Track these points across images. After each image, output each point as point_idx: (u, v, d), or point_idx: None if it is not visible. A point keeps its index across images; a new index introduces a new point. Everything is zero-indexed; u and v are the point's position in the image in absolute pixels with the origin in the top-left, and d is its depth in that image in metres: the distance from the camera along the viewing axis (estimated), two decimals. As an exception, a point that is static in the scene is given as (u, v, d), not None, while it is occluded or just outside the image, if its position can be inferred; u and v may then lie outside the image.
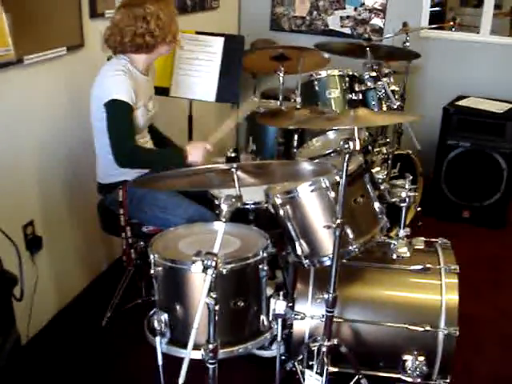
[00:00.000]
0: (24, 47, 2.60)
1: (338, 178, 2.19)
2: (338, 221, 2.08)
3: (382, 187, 2.50)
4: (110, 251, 3.60)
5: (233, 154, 2.43)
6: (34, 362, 2.76)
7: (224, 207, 1.84)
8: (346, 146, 1.99)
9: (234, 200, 1.84)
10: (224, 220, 1.83)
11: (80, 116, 2.97)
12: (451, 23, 4.88)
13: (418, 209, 3.85)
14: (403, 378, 2.39)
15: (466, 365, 2.82)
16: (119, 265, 3.15)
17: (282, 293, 2.31)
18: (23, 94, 2.73)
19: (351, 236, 2.29)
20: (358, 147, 1.99)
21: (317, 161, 2.61)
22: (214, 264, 1.77)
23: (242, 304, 2.19)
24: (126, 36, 2.69)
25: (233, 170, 1.93)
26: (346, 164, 2.02)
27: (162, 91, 3.37)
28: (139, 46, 2.72)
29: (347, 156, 2.01)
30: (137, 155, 2.72)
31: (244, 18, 5.32)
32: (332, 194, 2.27)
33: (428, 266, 2.45)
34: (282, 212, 2.38)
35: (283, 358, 2.49)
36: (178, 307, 2.20)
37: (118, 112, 2.66)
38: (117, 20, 2.72)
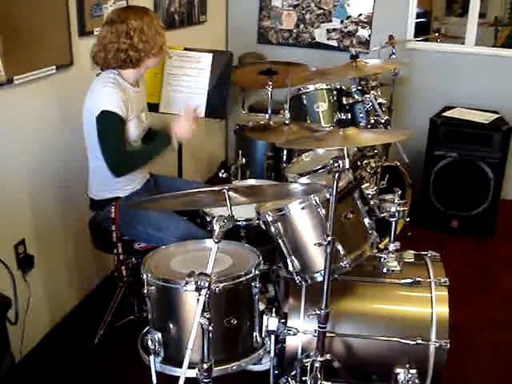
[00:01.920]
0: (14, 67, 2.62)
1: (328, 195, 2.22)
2: (329, 238, 2.11)
3: (371, 202, 2.52)
4: (102, 267, 3.60)
5: (224, 175, 2.45)
6: (27, 380, 2.75)
7: (216, 228, 1.86)
8: (336, 164, 2.01)
9: (226, 221, 1.86)
10: (217, 241, 1.85)
11: (71, 134, 2.98)
12: (436, 35, 4.96)
13: (407, 219, 3.87)
14: (396, 390, 2.40)
15: (457, 374, 2.85)
16: (110, 281, 3.16)
17: (274, 309, 2.33)
18: (14, 113, 2.74)
19: (342, 252, 2.32)
20: (347, 166, 2.01)
21: (306, 179, 2.64)
22: (207, 284, 1.79)
23: (235, 322, 2.20)
24: (110, 52, 2.72)
25: (224, 191, 1.95)
26: (335, 183, 2.04)
27: (151, 107, 3.39)
28: (123, 61, 2.73)
29: (337, 175, 2.03)
30: (128, 161, 2.75)
31: (231, 31, 5.35)
32: (322, 211, 2.29)
33: (418, 279, 2.47)
34: (273, 229, 2.40)
35: (276, 373, 2.50)
36: (171, 326, 2.20)
37: (109, 123, 2.68)
38: (101, 37, 2.75)
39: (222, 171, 2.46)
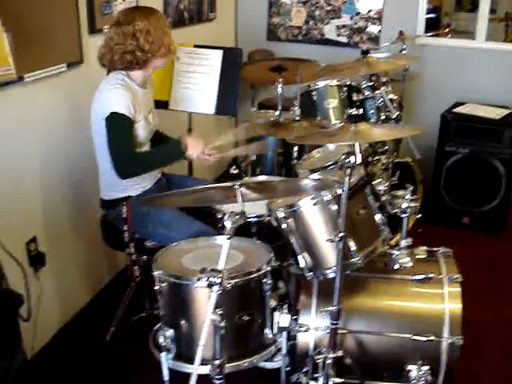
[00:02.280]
0: (24, 65, 2.62)
1: (339, 191, 2.21)
2: (341, 234, 2.10)
3: (383, 198, 2.51)
4: (113, 265, 3.61)
5: (235, 171, 2.44)
6: (38, 377, 2.76)
7: (228, 224, 1.86)
8: (348, 160, 2.01)
9: (237, 217, 1.86)
10: (228, 237, 1.85)
11: (81, 132, 2.99)
12: (446, 30, 4.93)
13: (418, 216, 3.86)
14: (408, 387, 2.40)
15: (470, 372, 2.83)
16: (122, 278, 3.17)
17: (285, 306, 2.32)
18: (24, 111, 2.75)
19: (354, 248, 2.31)
20: (359, 161, 2.00)
21: (318, 176, 2.63)
22: (219, 281, 1.79)
23: (247, 318, 2.20)
24: (116, 54, 2.72)
25: (236, 187, 1.94)
26: (347, 178, 2.03)
27: (161, 104, 3.40)
28: (130, 62, 2.73)
29: (348, 170, 2.02)
30: (136, 164, 2.75)
31: (241, 28, 5.34)
32: (334, 207, 2.28)
33: (430, 275, 2.45)
34: (284, 225, 2.39)
35: (288, 369, 2.50)
36: (183, 322, 2.20)
37: (118, 125, 2.68)
38: (108, 39, 2.76)
39: (234, 167, 2.45)
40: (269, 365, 2.60)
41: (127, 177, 2.74)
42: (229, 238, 1.86)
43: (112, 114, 2.64)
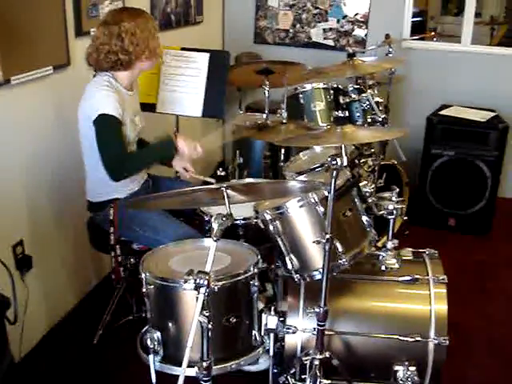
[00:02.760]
0: (11, 68, 2.62)
1: (326, 193, 2.22)
2: (328, 235, 2.11)
3: (369, 200, 2.52)
4: (100, 267, 3.60)
5: (222, 173, 2.45)
6: (26, 381, 2.75)
7: (215, 226, 1.86)
8: (334, 162, 2.02)
9: (224, 219, 1.86)
10: (215, 239, 1.85)
11: (68, 134, 2.98)
12: (432, 33, 4.96)
13: (405, 218, 3.88)
14: (395, 388, 2.41)
15: (457, 373, 2.85)
16: (109, 281, 3.15)
17: (273, 308, 2.33)
18: (10, 113, 2.74)
19: (340, 250, 2.32)
20: (345, 163, 2.02)
21: (305, 178, 2.64)
22: (206, 283, 1.79)
23: (234, 320, 2.21)
24: (101, 54, 2.72)
25: (223, 188, 1.95)
26: (333, 180, 2.04)
27: (148, 107, 3.40)
28: (114, 63, 2.73)
29: (335, 172, 2.03)
30: (129, 165, 2.73)
31: (228, 31, 5.35)
32: (321, 209, 2.30)
33: (416, 276, 2.47)
34: (271, 227, 2.40)
35: (276, 371, 2.50)
36: (170, 325, 2.21)
37: (107, 126, 2.67)
38: (95, 38, 2.76)
39: (220, 169, 2.46)
40: (254, 368, 2.62)
41: (120, 179, 2.72)
42: (216, 240, 1.86)
43: (100, 115, 2.63)
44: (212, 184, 2.68)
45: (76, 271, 3.42)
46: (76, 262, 3.40)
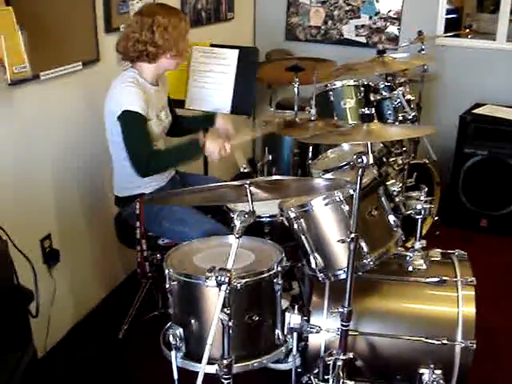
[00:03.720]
0: (40, 63, 2.64)
1: (351, 192, 2.19)
2: (352, 234, 2.08)
3: (396, 199, 2.49)
4: (127, 263, 3.61)
5: (246, 170, 2.43)
6: (51, 374, 2.77)
7: (237, 223, 1.85)
8: (359, 160, 1.98)
9: (246, 216, 1.85)
10: (237, 236, 1.84)
11: (96, 130, 2.99)
12: (467, 30, 4.87)
13: (436, 218, 3.83)
14: (420, 391, 2.37)
15: (484, 377, 2.78)
16: (136, 277, 3.17)
17: (296, 306, 2.31)
18: (40, 109, 2.76)
19: (366, 249, 2.29)
20: (371, 161, 1.98)
21: (330, 175, 2.61)
22: (227, 280, 1.78)
23: (257, 318, 2.19)
24: (130, 41, 2.74)
25: (246, 185, 1.93)
26: (359, 178, 2.01)
27: (177, 104, 3.40)
28: (140, 53, 2.74)
29: (360, 170, 2.00)
30: (154, 162, 2.72)
31: (259, 28, 5.33)
32: (346, 208, 2.27)
33: (444, 278, 2.42)
34: (296, 225, 2.38)
35: (299, 371, 2.48)
36: (193, 321, 2.20)
37: (132, 122, 2.68)
38: (127, 26, 2.80)
39: (244, 166, 2.43)
40: (282, 366, 2.60)
41: (146, 175, 2.74)
42: (238, 237, 1.85)
43: (125, 112, 2.65)
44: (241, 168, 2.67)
45: (103, 266, 3.45)
46: (103, 256, 3.42)
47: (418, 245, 2.55)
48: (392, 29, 4.93)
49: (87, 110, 3.08)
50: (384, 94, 3.61)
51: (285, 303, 2.37)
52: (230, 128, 3.00)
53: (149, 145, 2.73)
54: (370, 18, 4.97)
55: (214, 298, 2.09)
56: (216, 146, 2.74)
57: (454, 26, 5.41)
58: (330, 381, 2.28)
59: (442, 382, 2.32)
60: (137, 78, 2.76)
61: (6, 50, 2.29)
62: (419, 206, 2.49)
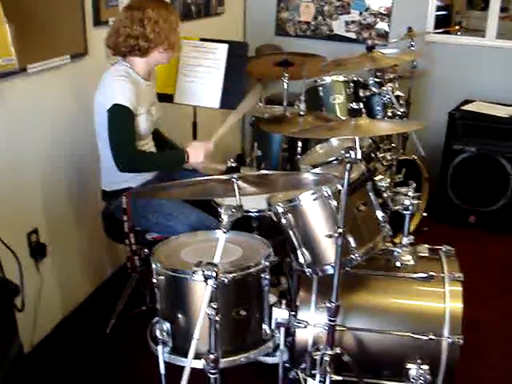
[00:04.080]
0: (27, 56, 2.62)
1: (339, 187, 2.19)
2: (340, 230, 2.08)
3: (385, 195, 2.49)
4: (115, 258, 3.60)
5: (233, 164, 2.43)
6: (38, 369, 2.76)
7: (224, 217, 1.85)
8: (348, 155, 1.98)
9: (234, 210, 1.84)
10: (225, 230, 1.83)
11: (84, 123, 2.98)
12: (457, 27, 4.89)
13: (424, 214, 3.84)
14: (407, 386, 2.37)
15: (471, 372, 2.80)
16: (124, 271, 3.16)
17: (284, 301, 2.30)
18: (27, 102, 2.74)
19: (353, 245, 2.29)
20: (359, 156, 1.98)
21: (318, 170, 2.61)
22: (214, 274, 1.78)
23: (244, 313, 2.19)
24: (121, 36, 2.72)
25: (233, 180, 1.92)
26: (347, 173, 2.01)
27: (166, 98, 3.38)
28: (132, 47, 2.73)
29: (348, 165, 2.00)
30: (137, 160, 2.74)
31: (249, 23, 5.32)
32: (334, 203, 2.27)
33: (432, 273, 2.43)
34: (284, 220, 2.37)
35: (286, 366, 2.48)
36: (180, 316, 2.20)
37: (119, 117, 2.67)
38: (117, 21, 2.77)
39: (232, 160, 2.43)
40: (271, 360, 2.60)
41: (125, 171, 2.74)
42: (225, 232, 1.84)
43: (115, 105, 2.64)
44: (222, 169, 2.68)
45: (91, 260, 3.43)
46: (91, 251, 3.41)
47: (405, 240, 2.55)
48: (382, 25, 4.93)
49: (75, 103, 3.06)
50: (373, 89, 3.61)
51: (273, 298, 2.37)
52: (202, 153, 2.88)
53: (134, 141, 2.73)
54: (360, 13, 4.96)
55: (200, 292, 2.07)
56: (199, 152, 2.81)
57: (443, 23, 5.43)
58: (318, 375, 2.28)
59: (428, 377, 2.33)
60: (129, 72, 2.75)
61: (-8, 43, 2.28)
62: (407, 202, 2.49)
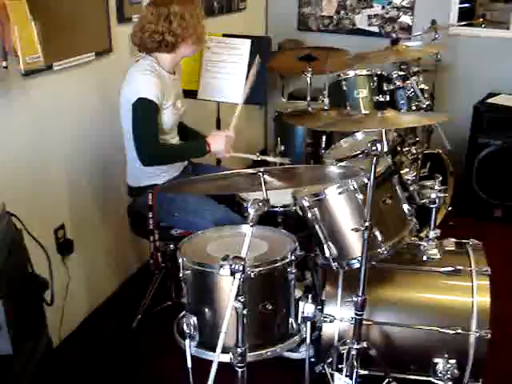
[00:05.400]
0: (53, 54, 2.64)
1: (365, 180, 2.18)
2: (367, 223, 2.07)
3: (411, 188, 2.48)
4: (141, 253, 3.62)
5: (259, 158, 2.43)
6: (65, 363, 2.78)
7: (251, 211, 1.84)
8: (374, 148, 1.97)
9: (260, 204, 1.84)
10: (251, 224, 1.83)
11: (110, 120, 3.00)
12: (481, 20, 4.82)
13: (449, 208, 3.81)
14: (434, 381, 2.36)
15: (499, 367, 2.76)
16: (149, 267, 3.18)
17: (310, 295, 2.30)
18: (53, 99, 2.76)
19: (380, 238, 2.28)
20: (385, 149, 1.97)
21: (344, 164, 2.60)
22: (241, 268, 1.78)
23: (271, 307, 2.19)
24: (146, 33, 2.73)
25: (260, 173, 1.92)
26: (373, 166, 2.00)
27: (189, 94, 3.39)
28: (158, 43, 2.74)
29: (375, 158, 1.99)
30: (159, 155, 2.77)
31: (271, 18, 5.30)
32: (360, 196, 2.26)
33: (459, 267, 2.42)
34: (309, 214, 2.37)
35: (312, 360, 2.48)
36: (206, 310, 2.21)
37: (144, 111, 2.69)
38: (142, 17, 2.77)
39: (257, 155, 2.43)
40: (295, 355, 2.60)
41: (149, 165, 2.76)
42: (252, 226, 1.84)
43: (140, 99, 2.65)
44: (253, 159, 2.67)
45: (117, 256, 3.46)
46: (117, 246, 3.43)
47: (432, 234, 2.54)
48: (405, 18, 4.89)
49: (100, 100, 3.08)
50: (397, 83, 3.59)
51: (298, 293, 2.37)
52: (223, 141, 2.88)
53: (157, 136, 2.74)
54: (383, 7, 4.92)
55: (227, 286, 2.10)
56: (220, 140, 2.83)
57: (467, 15, 5.36)
58: (344, 370, 2.29)
59: (456, 371, 2.33)
60: (154, 67, 2.76)
61: (19, 41, 2.29)
62: (433, 195, 2.47)
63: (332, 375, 2.38)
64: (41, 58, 2.49)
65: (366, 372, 2.35)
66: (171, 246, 2.97)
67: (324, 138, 3.33)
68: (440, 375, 2.34)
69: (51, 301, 2.06)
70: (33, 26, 2.41)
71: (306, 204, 2.36)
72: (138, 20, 2.79)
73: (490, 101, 4.44)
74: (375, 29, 4.99)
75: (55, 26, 2.64)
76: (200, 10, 2.83)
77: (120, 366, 2.88)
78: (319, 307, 2.36)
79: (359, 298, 2.16)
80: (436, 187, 2.48)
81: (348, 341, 2.29)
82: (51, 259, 2.26)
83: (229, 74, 3.49)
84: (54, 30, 2.63)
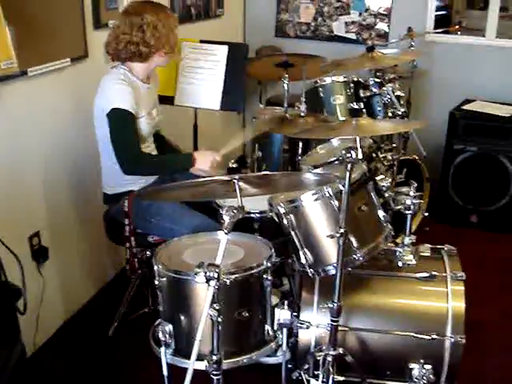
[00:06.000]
0: (28, 59, 2.62)
1: (341, 187, 2.19)
2: (342, 230, 2.08)
3: (386, 195, 2.49)
4: (117, 260, 3.59)
5: (234, 165, 2.43)
6: (40, 372, 2.76)
7: (226, 218, 1.84)
8: (348, 155, 1.98)
9: (235, 211, 1.84)
10: (226, 231, 1.83)
11: (85, 127, 2.98)
12: (456, 27, 4.88)
13: (426, 214, 3.83)
14: (410, 386, 2.37)
15: (474, 371, 2.80)
16: (126, 274, 3.16)
17: (286, 302, 2.30)
18: (28, 105, 2.75)
19: (355, 245, 2.29)
20: (360, 156, 1.98)
21: (320, 170, 2.61)
22: (216, 275, 1.77)
23: (247, 314, 2.19)
24: (121, 43, 2.71)
25: (234, 180, 1.92)
26: (348, 173, 2.01)
27: (166, 100, 3.38)
28: (132, 54, 2.73)
29: (349, 165, 2.00)
30: (142, 163, 2.75)
31: (249, 24, 5.32)
32: (335, 203, 2.27)
33: (434, 273, 2.42)
34: (285, 221, 2.37)
35: (289, 366, 2.48)
36: (182, 318, 2.20)
37: (120, 120, 2.67)
38: (115, 27, 2.76)
39: (232, 161, 2.43)
40: (272, 360, 2.59)
41: (131, 174, 2.75)
42: (227, 233, 1.84)
43: (114, 109, 2.63)
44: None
45: (93, 263, 3.44)
46: (93, 254, 3.41)
47: (407, 240, 2.55)
48: (382, 25, 4.93)
49: (76, 106, 3.06)
50: (374, 90, 3.61)
51: (275, 300, 2.37)
52: (209, 161, 2.84)
53: (137, 144, 2.73)
54: (360, 14, 4.96)
55: (203, 293, 2.09)
56: (207, 160, 2.79)
57: (443, 22, 5.42)
58: (320, 376, 2.28)
59: (431, 376, 2.33)
60: (128, 76, 2.75)
61: (-8, 46, 2.28)
62: (408, 202, 2.48)
63: (308, 381, 2.38)
64: (15, 63, 2.48)
65: (343, 378, 2.34)
66: (148, 252, 2.96)
67: (301, 144, 3.33)
68: (416, 380, 2.34)
69: (24, 309, 2.04)
70: (6, 30, 2.40)
71: (282, 210, 2.37)
72: (111, 30, 2.77)
73: (465, 107, 4.49)
74: (352, 36, 5.03)
75: (30, 31, 2.63)
76: (174, 20, 2.82)
77: (96, 374, 2.86)
78: (295, 314, 2.36)
79: (335, 305, 2.17)
80: (411, 193, 2.50)
81: (324, 347, 2.29)
82: (25, 267, 2.24)
83: (206, 80, 3.49)
84: (28, 35, 2.61)
